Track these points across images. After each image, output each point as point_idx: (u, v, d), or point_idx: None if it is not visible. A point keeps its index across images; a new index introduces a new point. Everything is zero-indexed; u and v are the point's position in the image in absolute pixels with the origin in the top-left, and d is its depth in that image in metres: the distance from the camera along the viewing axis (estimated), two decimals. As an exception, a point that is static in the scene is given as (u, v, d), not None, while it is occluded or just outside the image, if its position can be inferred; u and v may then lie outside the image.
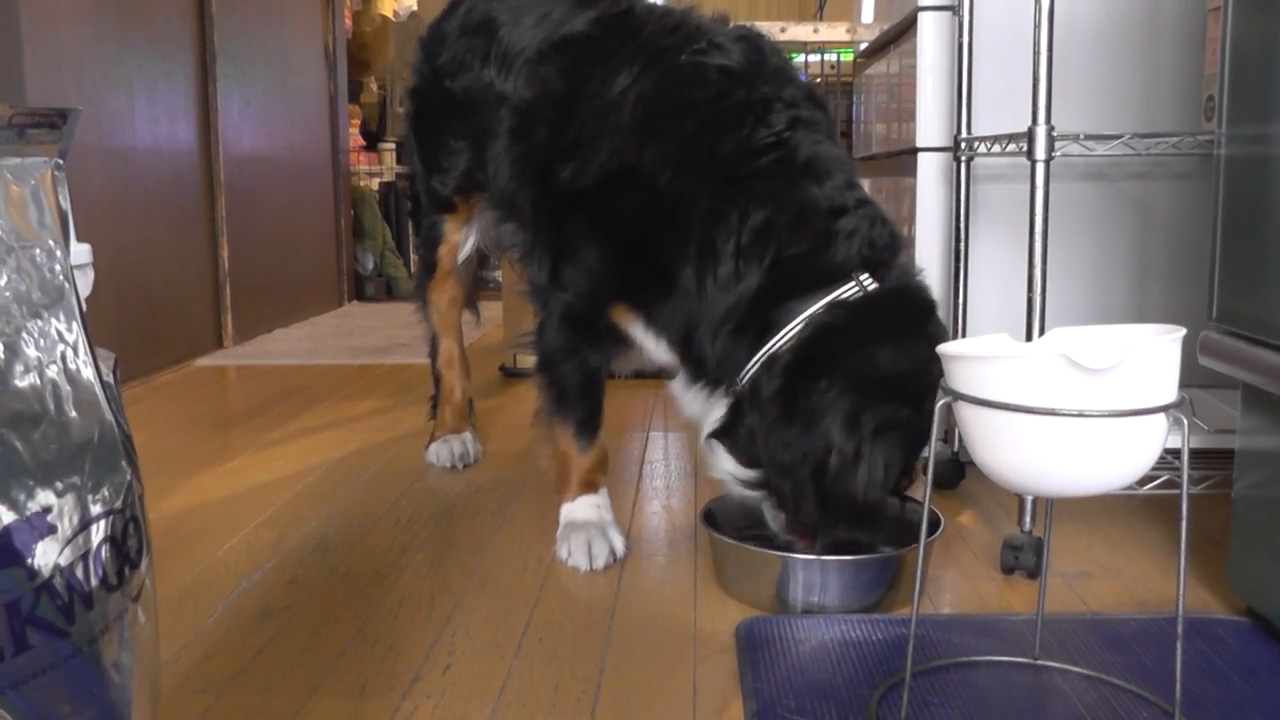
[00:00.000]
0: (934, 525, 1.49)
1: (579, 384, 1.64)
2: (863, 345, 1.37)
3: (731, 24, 1.69)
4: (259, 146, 4.04)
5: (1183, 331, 0.98)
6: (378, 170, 5.61)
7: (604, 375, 1.67)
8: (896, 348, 1.37)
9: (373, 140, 5.78)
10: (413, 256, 5.46)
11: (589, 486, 1.67)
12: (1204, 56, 1.76)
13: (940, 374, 1.31)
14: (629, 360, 1.70)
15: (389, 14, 5.76)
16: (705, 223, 1.46)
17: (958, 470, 1.92)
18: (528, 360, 3.00)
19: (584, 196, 1.59)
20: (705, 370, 1.50)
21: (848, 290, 1.40)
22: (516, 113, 1.78)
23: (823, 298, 1.40)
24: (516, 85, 1.79)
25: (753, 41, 1.60)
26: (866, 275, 1.41)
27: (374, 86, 5.84)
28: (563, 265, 1.61)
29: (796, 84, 1.56)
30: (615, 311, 1.59)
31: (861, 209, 1.45)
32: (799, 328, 1.40)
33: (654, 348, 1.58)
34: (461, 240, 2.10)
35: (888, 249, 1.45)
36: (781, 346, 1.41)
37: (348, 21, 5.23)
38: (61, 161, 0.70)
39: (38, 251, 0.65)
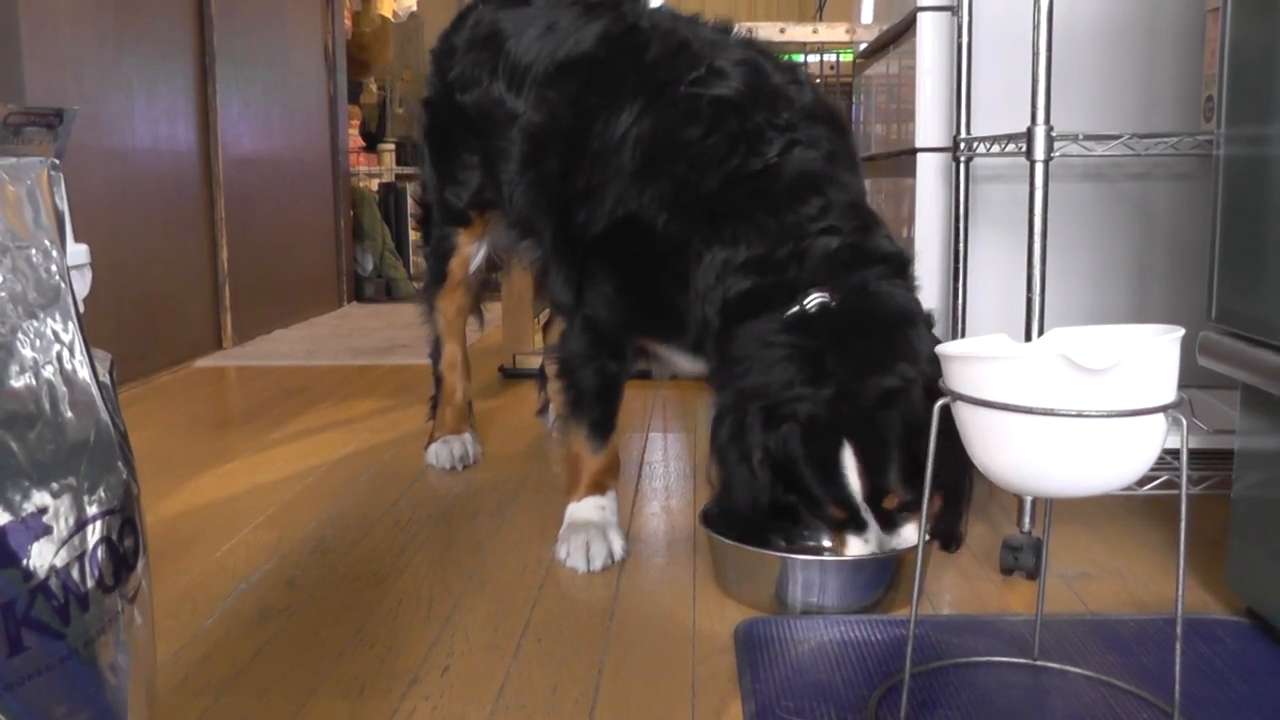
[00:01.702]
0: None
1: (596, 388, 1.66)
2: (742, 371, 1.42)
3: (735, 35, 1.68)
4: (258, 147, 4.04)
5: (1181, 332, 0.97)
6: (377, 171, 5.61)
7: (622, 381, 1.68)
8: (764, 366, 1.39)
9: (372, 141, 5.78)
10: (413, 258, 5.46)
11: (597, 488, 1.67)
12: (1203, 57, 1.76)
13: (816, 380, 1.35)
14: (665, 367, 1.75)
15: (388, 15, 5.76)
16: (691, 265, 1.50)
17: (957, 471, 1.92)
18: (527, 361, 3.01)
19: (598, 242, 1.61)
20: None
21: (784, 314, 1.40)
22: (527, 138, 1.79)
23: (752, 325, 1.42)
24: (526, 107, 1.79)
25: (753, 65, 1.59)
26: (815, 295, 1.40)
27: (373, 87, 5.83)
28: (586, 295, 1.65)
29: (796, 105, 1.55)
30: (640, 341, 1.66)
31: (822, 235, 1.44)
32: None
33: (689, 366, 1.64)
34: (473, 253, 2.10)
35: (843, 265, 1.42)
36: None
37: (347, 22, 5.23)
38: (58, 161, 0.70)
39: (33, 251, 0.65)
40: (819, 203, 1.46)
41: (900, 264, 1.47)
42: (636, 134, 1.57)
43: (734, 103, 1.53)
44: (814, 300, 1.39)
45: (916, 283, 1.50)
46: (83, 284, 1.56)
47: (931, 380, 1.31)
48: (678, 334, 1.57)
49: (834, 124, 1.59)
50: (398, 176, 5.61)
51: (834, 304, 1.39)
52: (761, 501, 1.41)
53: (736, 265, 1.45)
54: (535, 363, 2.70)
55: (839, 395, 1.34)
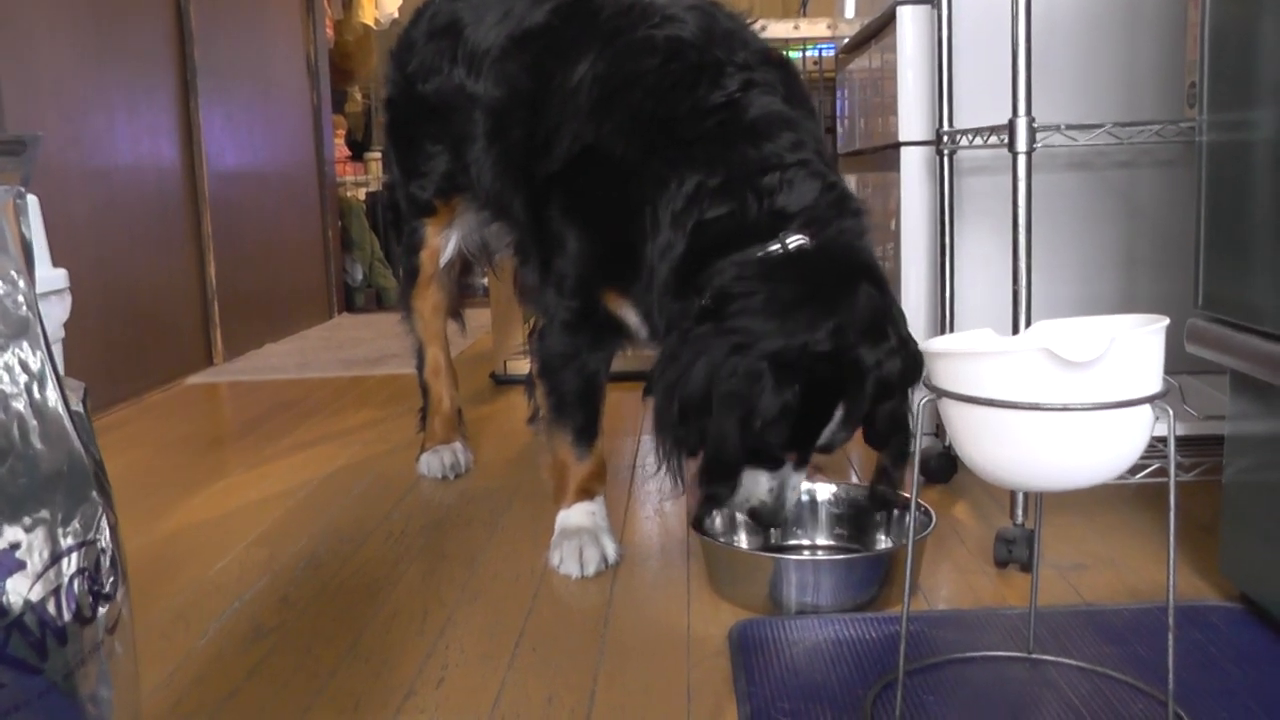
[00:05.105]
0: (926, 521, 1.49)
1: (577, 390, 1.64)
2: (746, 307, 1.35)
3: None
4: (243, 160, 4.03)
5: (1165, 322, 0.97)
6: (364, 180, 5.60)
7: (603, 380, 1.66)
8: (777, 307, 1.34)
9: (358, 150, 5.76)
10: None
11: (585, 494, 1.66)
12: (1185, 43, 1.76)
13: (838, 335, 1.32)
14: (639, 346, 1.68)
15: (370, 23, 5.74)
16: (654, 191, 1.46)
17: (949, 464, 1.92)
18: (518, 368, 3.00)
19: (554, 184, 1.59)
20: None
21: (767, 248, 1.37)
22: (489, 114, 1.79)
23: (738, 257, 1.38)
24: (486, 85, 1.80)
25: (705, 9, 1.59)
26: (796, 234, 1.38)
27: (358, 96, 5.82)
28: (551, 259, 1.61)
29: (751, 47, 1.55)
30: (608, 298, 1.57)
31: (801, 168, 1.42)
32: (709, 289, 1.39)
33: (645, 334, 1.56)
34: (443, 244, 2.10)
35: (829, 207, 1.41)
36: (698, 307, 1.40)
37: (329, 31, 5.21)
38: (24, 190, 0.69)
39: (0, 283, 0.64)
40: (791, 137, 1.45)
41: (864, 220, 1.46)
42: (593, 75, 1.56)
43: (690, 40, 1.53)
44: (795, 241, 1.37)
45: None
46: (63, 308, 1.56)
47: (909, 345, 1.36)
48: (640, 273, 1.50)
49: (786, 69, 1.58)
50: (384, 185, 5.59)
51: (812, 246, 1.37)
52: (743, 463, 1.38)
53: (712, 189, 1.41)
54: (526, 369, 2.69)
55: (848, 359, 1.33)
